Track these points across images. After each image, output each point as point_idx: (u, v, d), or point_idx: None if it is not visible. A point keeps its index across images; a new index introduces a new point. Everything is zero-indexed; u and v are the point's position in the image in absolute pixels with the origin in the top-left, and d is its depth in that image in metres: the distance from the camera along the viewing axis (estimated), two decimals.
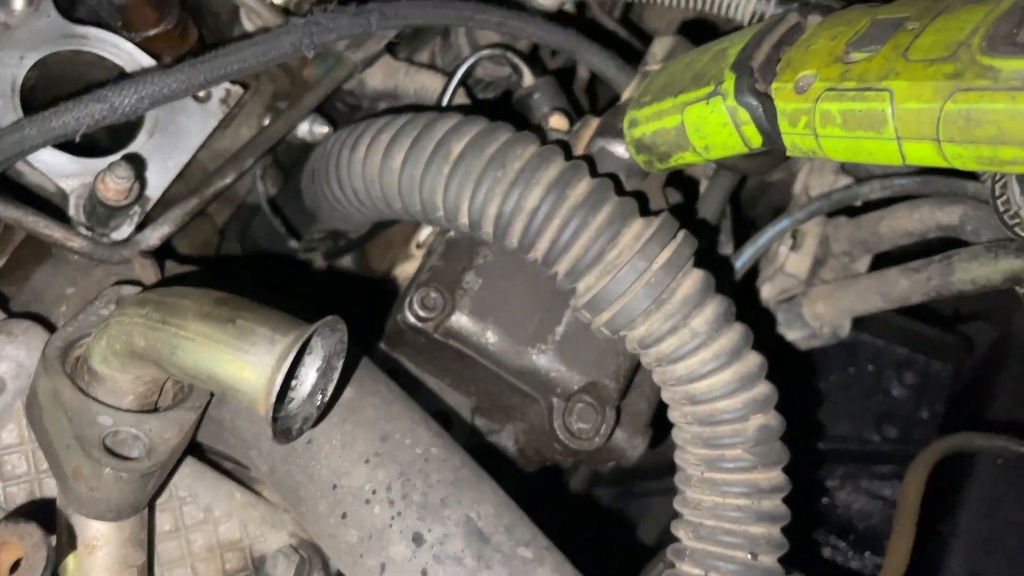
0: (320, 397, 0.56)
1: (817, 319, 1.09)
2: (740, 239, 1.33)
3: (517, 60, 0.97)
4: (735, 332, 0.75)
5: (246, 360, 0.51)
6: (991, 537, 1.31)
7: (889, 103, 0.63)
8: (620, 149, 0.85)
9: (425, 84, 1.03)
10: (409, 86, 1.04)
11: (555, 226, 0.75)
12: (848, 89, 0.66)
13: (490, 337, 0.82)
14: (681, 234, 0.77)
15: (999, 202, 0.83)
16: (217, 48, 0.72)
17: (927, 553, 1.35)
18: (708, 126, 0.76)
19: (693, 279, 0.75)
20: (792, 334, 1.11)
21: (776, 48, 0.75)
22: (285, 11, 0.88)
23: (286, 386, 0.53)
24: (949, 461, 1.34)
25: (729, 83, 0.74)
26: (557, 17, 1.01)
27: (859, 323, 1.49)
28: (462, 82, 0.97)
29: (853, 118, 0.65)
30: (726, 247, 1.12)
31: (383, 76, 1.06)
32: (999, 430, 1.43)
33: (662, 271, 0.74)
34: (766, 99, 0.72)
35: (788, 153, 0.73)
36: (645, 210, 0.82)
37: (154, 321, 0.55)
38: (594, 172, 0.82)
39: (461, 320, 0.81)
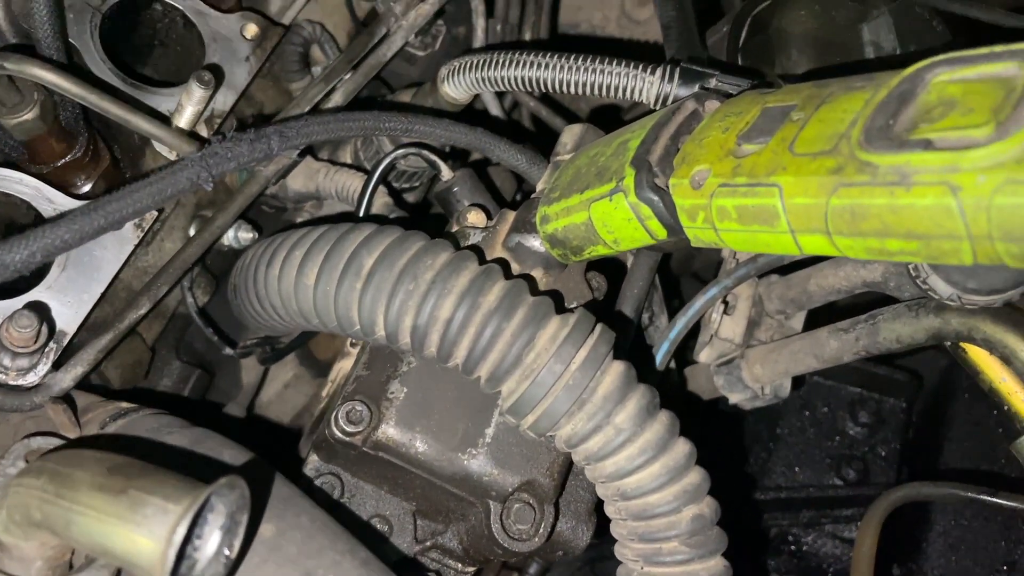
0: (226, 555, 0.55)
1: (757, 381, 1.09)
2: (680, 297, 1.34)
3: (432, 156, 0.97)
4: (659, 424, 0.75)
5: (138, 533, 0.50)
6: None
7: (779, 198, 0.63)
8: (536, 243, 0.85)
9: (346, 184, 1.04)
10: (330, 187, 1.05)
11: (471, 334, 0.75)
12: (740, 185, 0.66)
13: (419, 446, 0.81)
14: (598, 329, 0.77)
15: (909, 267, 0.84)
16: (124, 176, 0.71)
17: None
18: (614, 221, 0.77)
19: (612, 375, 0.75)
20: (734, 396, 1.11)
21: (674, 139, 0.76)
22: (191, 134, 0.88)
23: (185, 552, 0.52)
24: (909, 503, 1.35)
25: (629, 180, 0.74)
26: (467, 113, 1.02)
27: None
28: (381, 181, 0.97)
29: (747, 213, 0.66)
30: (659, 318, 1.12)
31: (304, 179, 1.06)
32: (955, 462, 1.44)
33: (580, 371, 0.74)
34: (665, 194, 0.73)
35: (692, 244, 0.74)
36: (562, 307, 0.82)
37: (49, 494, 0.54)
38: (509, 272, 0.82)
39: (388, 432, 0.81)
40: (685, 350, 1.16)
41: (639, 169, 0.74)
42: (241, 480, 0.54)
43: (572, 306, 0.89)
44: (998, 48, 0.61)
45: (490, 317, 0.74)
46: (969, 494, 1.03)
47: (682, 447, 0.76)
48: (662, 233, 0.75)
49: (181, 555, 0.51)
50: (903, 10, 1.05)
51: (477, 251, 0.82)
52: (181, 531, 0.50)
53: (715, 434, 1.56)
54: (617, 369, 0.76)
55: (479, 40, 1.16)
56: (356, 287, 0.77)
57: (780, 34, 1.09)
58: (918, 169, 0.56)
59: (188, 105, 0.87)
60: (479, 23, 1.16)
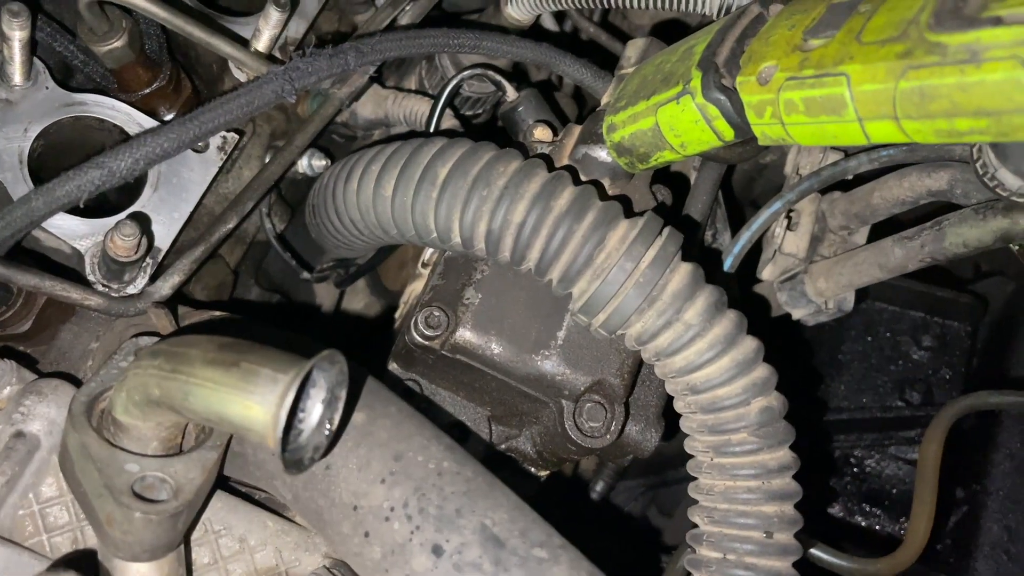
0: (328, 427, 0.60)
1: (820, 295, 1.10)
2: (741, 223, 1.34)
3: (498, 77, 1.00)
4: (728, 320, 0.78)
5: (251, 400, 0.54)
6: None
7: (847, 87, 0.65)
8: (602, 154, 0.88)
9: (413, 109, 1.06)
10: (398, 113, 1.08)
11: (543, 237, 0.78)
12: (807, 77, 0.68)
13: (495, 348, 0.85)
14: (666, 231, 0.79)
15: (977, 165, 0.84)
16: (206, 103, 0.76)
17: (962, 515, 1.35)
18: (681, 124, 0.79)
19: (681, 273, 0.77)
20: (798, 312, 1.13)
21: (739, 42, 0.78)
22: (269, 57, 0.92)
23: (292, 420, 0.57)
24: (976, 421, 1.35)
25: (696, 81, 0.76)
26: (534, 31, 1.04)
27: (872, 292, 1.50)
28: (447, 104, 1.00)
29: (815, 104, 0.67)
30: (723, 235, 1.14)
31: (373, 106, 1.09)
32: (1021, 387, 1.43)
33: (650, 269, 0.76)
34: (732, 93, 0.74)
35: (760, 142, 0.75)
36: (631, 211, 0.85)
37: (166, 371, 0.59)
38: (578, 179, 0.84)
39: (465, 335, 0.84)
40: (746, 272, 1.18)
41: (706, 71, 0.76)
42: (340, 355, 0.58)
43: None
44: None
45: (561, 220, 0.77)
46: None
47: (750, 343, 0.78)
48: (729, 134, 0.76)
49: (288, 425, 0.55)
50: None
51: (546, 159, 0.84)
52: (290, 398, 0.54)
53: (778, 361, 1.58)
54: (686, 268, 0.78)
55: None
56: (432, 196, 0.80)
57: None
58: (988, 45, 0.57)
59: (265, 29, 0.91)
60: None
